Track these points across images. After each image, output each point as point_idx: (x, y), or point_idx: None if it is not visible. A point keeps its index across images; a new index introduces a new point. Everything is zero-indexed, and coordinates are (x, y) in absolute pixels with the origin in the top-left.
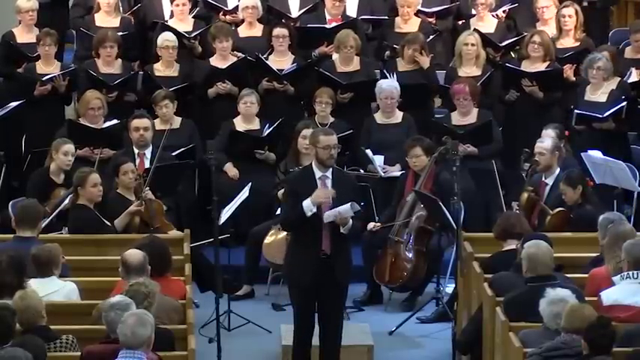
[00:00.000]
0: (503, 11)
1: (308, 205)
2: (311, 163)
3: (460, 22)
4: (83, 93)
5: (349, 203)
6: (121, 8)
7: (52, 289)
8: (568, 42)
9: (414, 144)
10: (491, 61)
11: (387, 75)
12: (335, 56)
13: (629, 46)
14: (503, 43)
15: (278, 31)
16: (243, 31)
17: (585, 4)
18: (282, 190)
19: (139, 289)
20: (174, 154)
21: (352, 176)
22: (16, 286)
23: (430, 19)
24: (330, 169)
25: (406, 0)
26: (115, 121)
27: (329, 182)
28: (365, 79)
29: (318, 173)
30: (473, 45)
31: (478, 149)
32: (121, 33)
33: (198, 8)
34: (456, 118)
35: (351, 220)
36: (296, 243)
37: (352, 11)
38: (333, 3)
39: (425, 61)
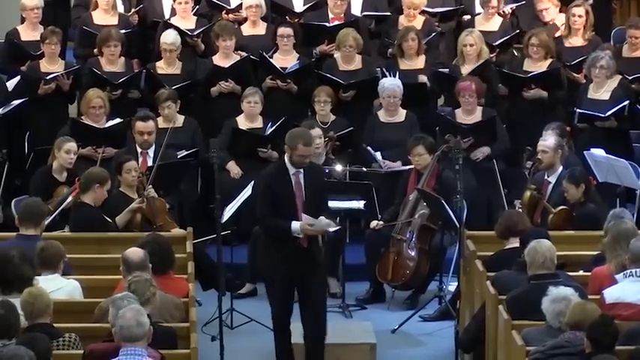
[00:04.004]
0: (511, 8)
1: (296, 229)
2: (284, 160)
3: (465, 18)
4: (86, 91)
5: (326, 221)
6: (122, 6)
7: (56, 287)
8: (577, 41)
9: (417, 143)
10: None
11: (387, 74)
12: (336, 55)
13: (625, 44)
14: (496, 43)
15: (282, 30)
16: (246, 30)
17: (590, 1)
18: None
19: (140, 279)
20: (179, 156)
21: (322, 171)
22: (32, 278)
23: (433, 19)
24: None
25: (412, 2)
26: (117, 120)
27: (301, 177)
28: (366, 77)
29: (291, 170)
30: (472, 45)
31: (491, 149)
32: (123, 31)
33: (198, 6)
34: (460, 117)
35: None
36: (271, 238)
37: (356, 9)
38: (335, 2)
39: (417, 55)
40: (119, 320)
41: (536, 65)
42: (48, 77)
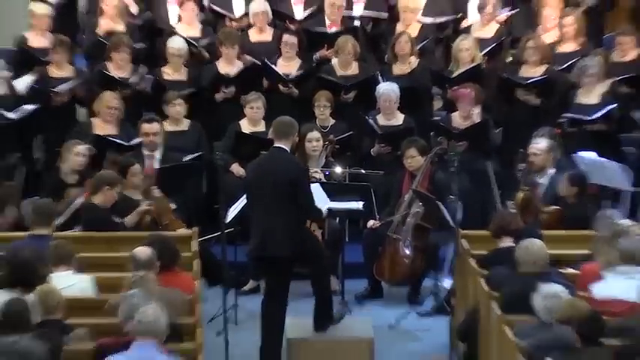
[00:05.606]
0: (506, 16)
1: None
2: (291, 152)
3: (463, 24)
4: (97, 94)
5: None
6: (132, 9)
7: (69, 283)
8: (570, 47)
9: (410, 145)
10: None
11: (381, 80)
12: (334, 60)
13: (615, 50)
14: (484, 52)
15: (287, 38)
16: (253, 36)
17: (584, 8)
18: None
19: (137, 277)
20: (184, 159)
21: None
22: (46, 276)
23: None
24: None
25: (407, 7)
26: (139, 140)
27: None
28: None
29: None
30: (467, 49)
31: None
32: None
33: (203, 13)
34: (457, 121)
35: None
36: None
37: (359, 10)
38: (332, 10)
39: (411, 60)
40: (139, 315)
41: (533, 70)
42: (61, 90)
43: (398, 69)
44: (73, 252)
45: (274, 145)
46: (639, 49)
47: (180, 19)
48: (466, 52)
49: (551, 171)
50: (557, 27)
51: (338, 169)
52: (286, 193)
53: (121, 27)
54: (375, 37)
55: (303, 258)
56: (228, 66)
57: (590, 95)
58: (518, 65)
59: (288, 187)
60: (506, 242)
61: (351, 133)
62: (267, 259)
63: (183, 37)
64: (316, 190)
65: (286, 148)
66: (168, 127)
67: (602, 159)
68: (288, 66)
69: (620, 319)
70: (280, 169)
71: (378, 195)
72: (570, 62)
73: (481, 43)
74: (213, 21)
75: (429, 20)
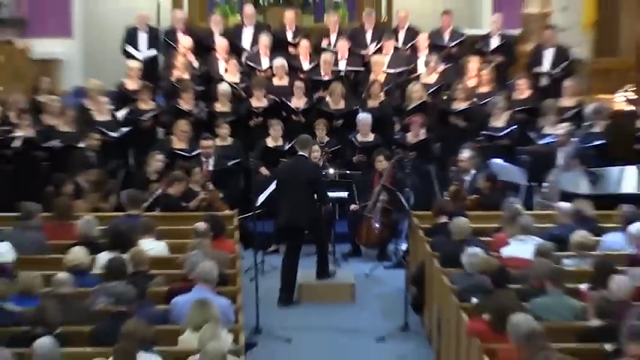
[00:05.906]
0: (443, 67)
1: None
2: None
3: (413, 75)
4: (172, 121)
5: None
6: (194, 64)
7: (152, 246)
8: (485, 89)
9: (379, 153)
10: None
11: (360, 111)
12: (328, 98)
13: (515, 90)
14: (429, 91)
15: (297, 84)
16: (275, 82)
17: (494, 63)
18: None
19: (194, 242)
20: (229, 164)
21: None
22: (135, 242)
23: (392, 75)
24: None
25: (376, 62)
26: (199, 151)
27: None
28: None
29: None
30: (417, 91)
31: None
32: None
33: (242, 66)
34: (410, 138)
35: None
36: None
37: (343, 65)
38: (325, 65)
39: (380, 98)
40: (198, 268)
41: (461, 104)
42: (146, 117)
43: (371, 104)
44: (155, 226)
45: (298, 154)
46: (530, 91)
47: (226, 70)
48: (416, 92)
49: (473, 172)
50: (476, 76)
51: (331, 171)
52: (306, 186)
53: (187, 76)
54: (356, 83)
55: (312, 228)
56: (258, 102)
57: (499, 121)
58: (451, 101)
59: (308, 183)
60: (443, 219)
61: (339, 146)
62: (290, 229)
63: (228, 83)
64: None
65: (306, 155)
66: (218, 142)
67: (507, 163)
68: (298, 102)
69: (519, 270)
70: (303, 169)
71: (358, 188)
72: (486, 100)
73: (426, 86)
74: (248, 72)
75: (391, 71)
